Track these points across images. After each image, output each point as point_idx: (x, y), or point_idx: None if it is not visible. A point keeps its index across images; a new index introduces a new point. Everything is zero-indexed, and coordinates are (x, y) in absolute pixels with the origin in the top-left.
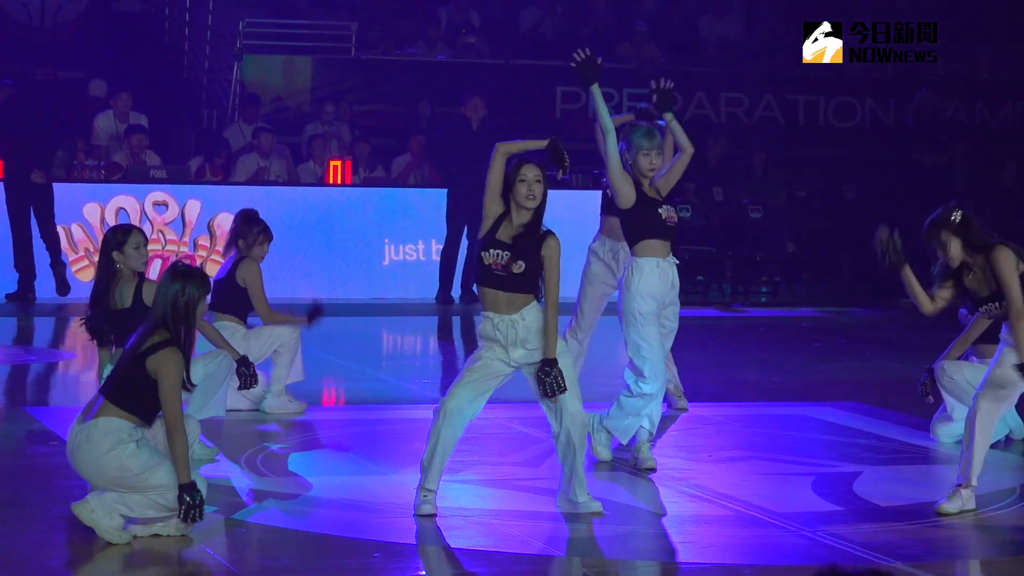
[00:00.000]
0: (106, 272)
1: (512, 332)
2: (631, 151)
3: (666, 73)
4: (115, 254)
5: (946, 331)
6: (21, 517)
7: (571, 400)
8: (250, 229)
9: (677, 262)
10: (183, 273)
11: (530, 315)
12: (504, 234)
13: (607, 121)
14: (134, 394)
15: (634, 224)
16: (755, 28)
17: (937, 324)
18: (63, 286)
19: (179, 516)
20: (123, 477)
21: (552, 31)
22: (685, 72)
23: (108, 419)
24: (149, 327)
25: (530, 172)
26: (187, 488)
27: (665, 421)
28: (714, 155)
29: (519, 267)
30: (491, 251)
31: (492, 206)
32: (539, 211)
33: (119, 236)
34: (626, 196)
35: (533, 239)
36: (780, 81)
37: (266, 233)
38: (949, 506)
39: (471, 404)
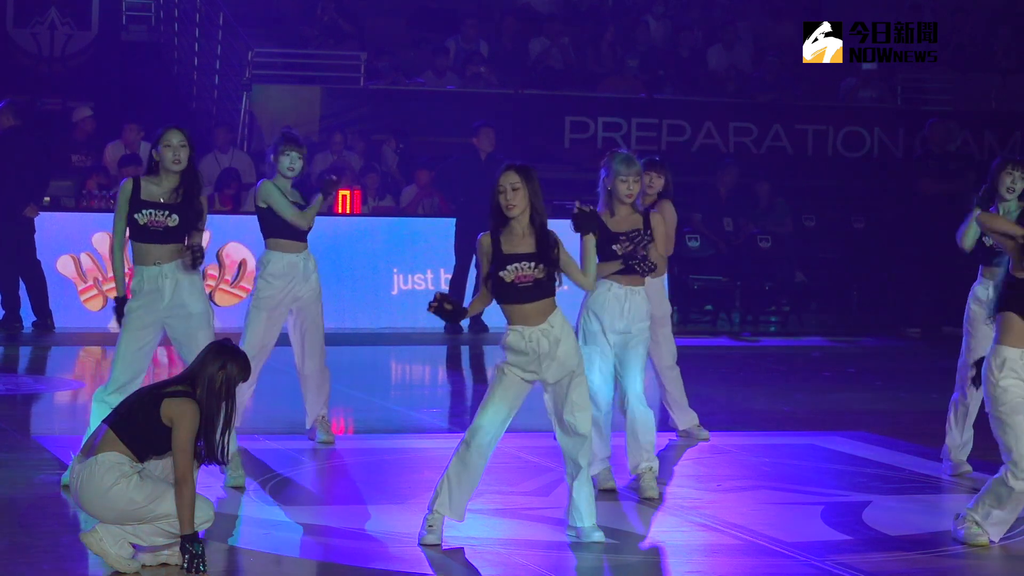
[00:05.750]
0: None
1: (544, 342)
2: (610, 176)
3: (674, 104)
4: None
5: (955, 360)
6: (30, 546)
7: (583, 420)
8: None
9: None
10: (229, 351)
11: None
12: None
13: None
14: (138, 429)
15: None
16: (763, 58)
17: (946, 354)
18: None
19: (183, 567)
20: (131, 510)
21: (561, 61)
22: (693, 102)
23: (108, 454)
24: (177, 377)
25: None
26: (189, 539)
27: (675, 450)
28: (725, 186)
29: (541, 272)
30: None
31: None
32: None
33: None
34: None
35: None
36: (789, 111)
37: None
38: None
39: (501, 427)
